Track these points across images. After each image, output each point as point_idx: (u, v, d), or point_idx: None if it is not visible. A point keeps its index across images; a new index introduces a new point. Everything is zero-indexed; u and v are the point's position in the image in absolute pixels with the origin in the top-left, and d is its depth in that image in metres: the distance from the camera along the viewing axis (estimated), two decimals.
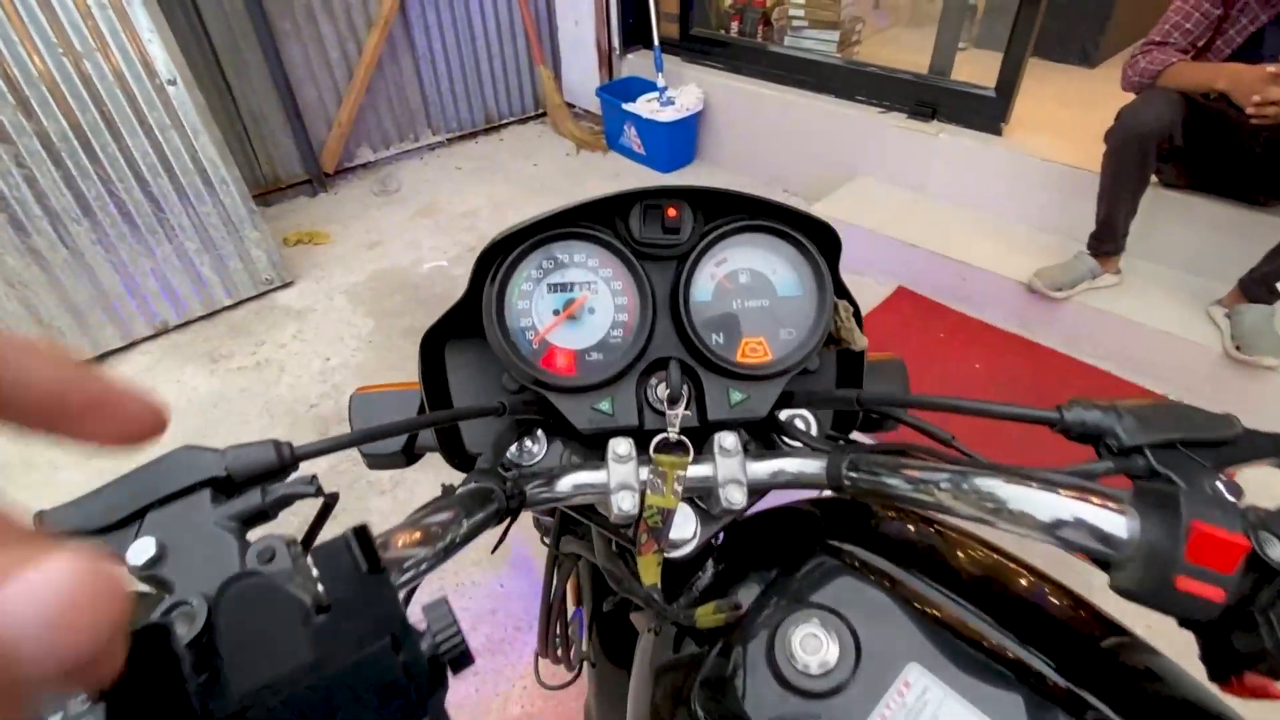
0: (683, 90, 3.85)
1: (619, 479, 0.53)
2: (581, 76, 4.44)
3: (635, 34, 4.22)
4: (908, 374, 0.79)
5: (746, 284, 0.59)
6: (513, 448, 0.59)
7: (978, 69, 3.10)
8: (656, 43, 3.80)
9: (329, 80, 3.75)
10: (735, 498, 0.53)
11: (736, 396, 0.57)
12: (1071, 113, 3.24)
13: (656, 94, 3.81)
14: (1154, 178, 2.37)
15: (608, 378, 0.55)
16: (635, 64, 4.20)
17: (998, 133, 3.02)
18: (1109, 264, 2.54)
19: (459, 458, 0.64)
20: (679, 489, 0.54)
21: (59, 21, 2.38)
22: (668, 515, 0.54)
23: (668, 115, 3.73)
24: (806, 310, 0.59)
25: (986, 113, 3.03)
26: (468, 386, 0.63)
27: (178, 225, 2.83)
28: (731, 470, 0.54)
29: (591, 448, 0.61)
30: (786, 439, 0.60)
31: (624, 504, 0.52)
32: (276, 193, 3.79)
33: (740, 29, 4.03)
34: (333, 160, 3.89)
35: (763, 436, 0.61)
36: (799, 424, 0.62)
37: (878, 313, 2.86)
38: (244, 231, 2.99)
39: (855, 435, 0.67)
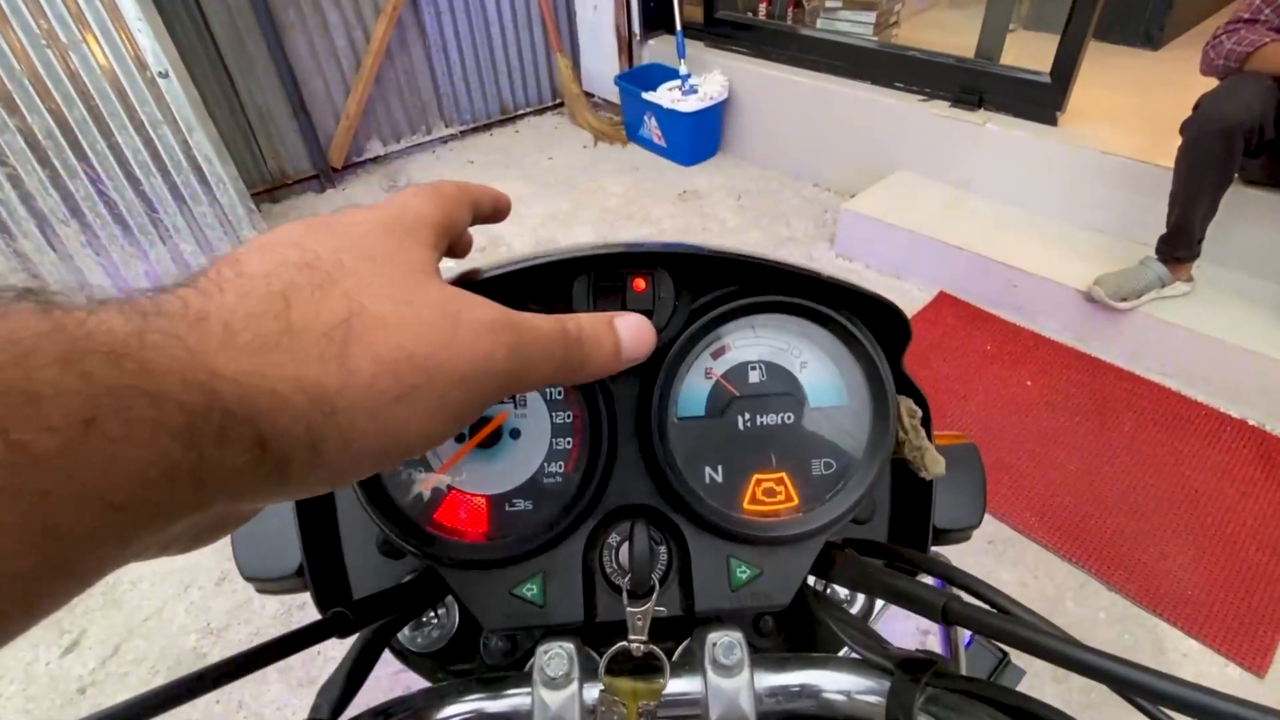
0: (706, 78, 3.61)
1: (549, 717, 0.33)
2: (600, 64, 4.21)
3: (656, 18, 3.97)
4: (984, 471, 0.58)
5: (760, 387, 0.39)
6: (406, 628, 0.40)
7: (1025, 54, 2.82)
8: (679, 27, 3.55)
9: (336, 71, 3.58)
10: None
11: (743, 573, 0.37)
12: (1135, 100, 2.94)
13: (678, 82, 3.58)
14: (1236, 174, 2.09)
15: (537, 545, 0.36)
16: (656, 50, 3.97)
17: (1053, 122, 2.73)
18: (1180, 271, 2.26)
19: (341, 606, 0.46)
20: None
21: (42, 10, 2.23)
22: None
23: (690, 105, 3.50)
24: (854, 428, 0.39)
25: (1040, 100, 2.74)
26: (357, 526, 0.44)
27: (172, 226, 2.69)
28: (734, 701, 0.34)
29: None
30: (817, 623, 0.39)
31: None
32: (283, 189, 3.64)
33: (769, 11, 3.77)
34: (341, 155, 3.73)
35: (783, 617, 0.41)
36: (840, 594, 0.42)
37: (916, 321, 2.62)
38: (242, 231, 2.85)
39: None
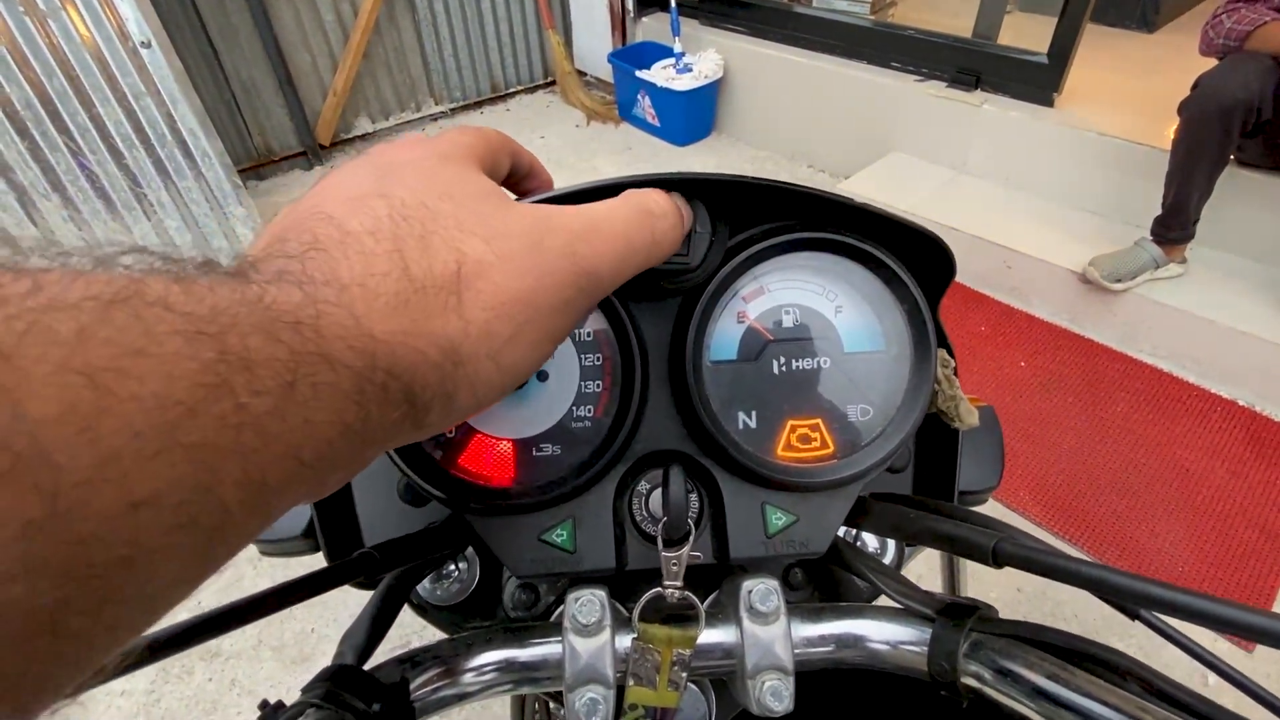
0: (701, 56, 3.56)
1: (580, 665, 0.32)
2: (593, 42, 4.15)
3: None
4: (1002, 433, 0.57)
5: (795, 331, 0.37)
6: (426, 580, 0.38)
7: (1021, 36, 2.81)
8: (674, 4, 3.50)
9: (323, 45, 3.51)
10: (775, 700, 0.32)
11: (778, 519, 0.35)
12: (1131, 82, 2.94)
13: (673, 60, 3.53)
14: (1232, 155, 2.09)
15: (566, 489, 0.34)
16: (650, 28, 3.91)
17: (1049, 103, 2.72)
18: (1174, 252, 2.27)
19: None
20: (682, 678, 0.33)
21: None
22: (663, 717, 0.33)
23: (684, 83, 3.46)
24: (891, 373, 0.37)
25: (1037, 81, 2.73)
26: (373, 478, 0.42)
27: (156, 201, 2.63)
28: (770, 649, 0.33)
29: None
30: (852, 575, 0.38)
31: (588, 712, 0.31)
32: (270, 165, 3.58)
33: None
34: (329, 131, 3.66)
35: (816, 569, 0.40)
36: (869, 547, 0.40)
37: None
38: (228, 208, 2.80)
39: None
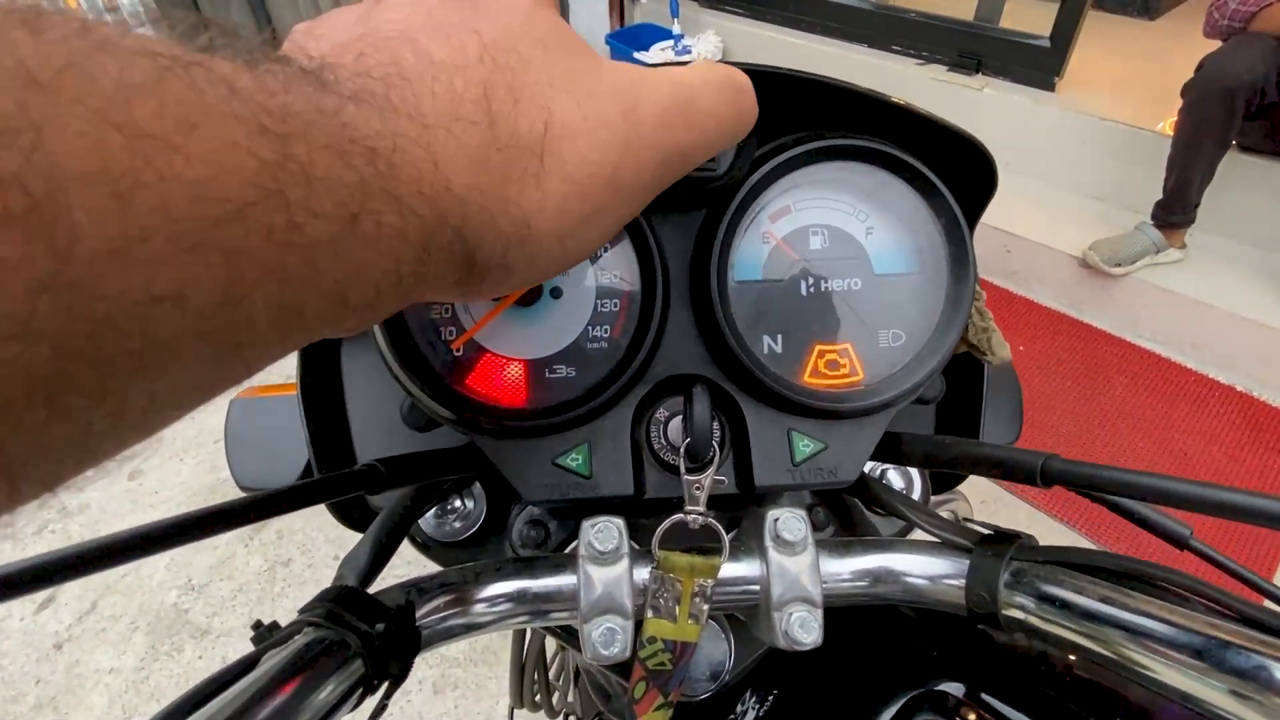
0: (700, 38, 3.53)
1: (596, 594, 0.30)
2: (590, 22, 4.10)
3: None
4: (1020, 387, 0.56)
5: (823, 251, 0.35)
6: (429, 514, 0.36)
7: (1022, 20, 2.79)
8: None
9: (313, 12, 3.45)
10: (804, 632, 0.30)
11: (805, 446, 0.33)
12: (1132, 66, 2.92)
13: (671, 42, 3.49)
14: (1234, 139, 2.08)
15: (581, 412, 0.32)
16: (649, 9, 3.87)
17: (1051, 88, 2.71)
18: (1174, 237, 2.26)
19: (353, 509, 0.42)
20: (704, 610, 0.31)
21: None
22: (682, 653, 0.31)
23: None
24: (925, 296, 0.35)
25: (1039, 65, 2.71)
26: (373, 405, 0.40)
27: None
28: (798, 580, 0.31)
29: (562, 519, 0.38)
30: (879, 511, 0.36)
31: (605, 643, 0.29)
32: None
33: None
34: None
35: (838, 506, 0.38)
36: (896, 483, 0.38)
37: None
38: None
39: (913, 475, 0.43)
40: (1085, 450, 1.97)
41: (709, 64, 0.26)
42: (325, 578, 1.72)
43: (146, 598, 1.69)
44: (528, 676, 0.89)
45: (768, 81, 0.30)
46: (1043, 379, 2.21)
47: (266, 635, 0.26)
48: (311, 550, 1.75)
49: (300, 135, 0.14)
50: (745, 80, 0.26)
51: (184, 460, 1.98)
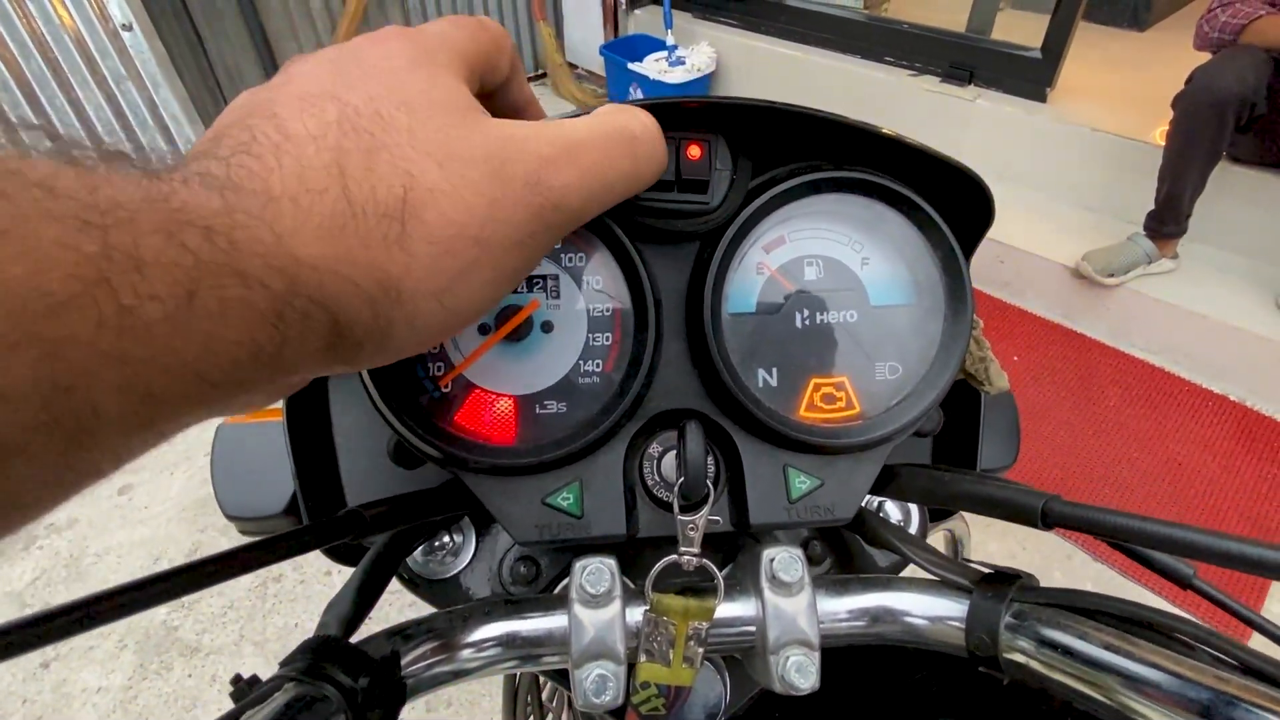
0: (694, 49, 3.54)
1: (588, 639, 0.29)
2: (584, 34, 4.12)
3: None
4: (1017, 411, 0.55)
5: (818, 283, 0.35)
6: (417, 552, 0.35)
7: (1013, 32, 2.81)
8: None
9: (310, 33, 3.44)
10: (801, 677, 0.29)
11: (801, 483, 0.33)
12: (1123, 79, 2.94)
13: (665, 53, 3.50)
14: (1225, 150, 2.09)
15: (573, 449, 0.31)
16: (643, 20, 3.88)
17: (1042, 99, 2.72)
18: (1167, 247, 2.27)
19: (341, 545, 0.41)
20: (698, 654, 0.30)
21: None
22: (676, 696, 0.30)
23: (677, 76, 3.43)
24: (922, 329, 0.35)
25: (1030, 76, 2.73)
26: (361, 441, 0.39)
27: None
28: (794, 622, 0.30)
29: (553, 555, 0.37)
30: (877, 547, 0.36)
31: (597, 691, 0.28)
32: None
33: None
34: None
35: (836, 541, 0.37)
36: (893, 514, 0.38)
37: None
38: None
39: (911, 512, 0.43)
40: (1079, 462, 1.97)
41: (606, 113, 0.26)
42: (317, 594, 1.71)
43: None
44: (520, 701, 0.88)
45: (760, 115, 0.29)
46: (1037, 389, 2.21)
47: (246, 691, 0.25)
48: (303, 565, 1.73)
49: (125, 224, 0.15)
50: (644, 129, 0.26)
51: (174, 474, 1.96)
